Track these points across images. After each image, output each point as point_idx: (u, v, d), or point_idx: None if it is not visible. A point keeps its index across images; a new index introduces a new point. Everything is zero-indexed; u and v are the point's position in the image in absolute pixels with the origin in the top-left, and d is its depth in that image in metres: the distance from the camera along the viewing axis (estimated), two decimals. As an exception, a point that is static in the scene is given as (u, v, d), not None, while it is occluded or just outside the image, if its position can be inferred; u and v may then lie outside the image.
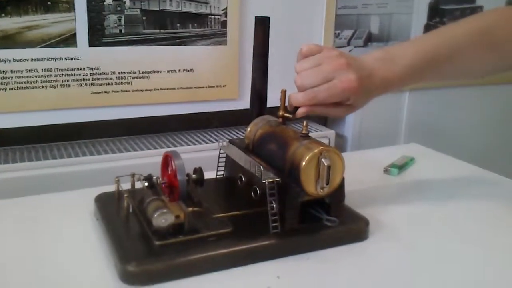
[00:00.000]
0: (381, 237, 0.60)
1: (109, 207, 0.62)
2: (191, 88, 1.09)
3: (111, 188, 0.65)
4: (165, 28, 1.04)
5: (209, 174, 0.65)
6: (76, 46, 0.97)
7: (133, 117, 1.06)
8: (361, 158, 0.91)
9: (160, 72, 1.05)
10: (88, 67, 0.99)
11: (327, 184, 0.56)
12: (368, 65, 0.63)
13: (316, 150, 0.55)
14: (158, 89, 1.06)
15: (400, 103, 1.40)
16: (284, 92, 0.64)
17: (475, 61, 0.69)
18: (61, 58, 0.96)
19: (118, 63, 1.01)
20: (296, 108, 0.62)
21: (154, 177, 0.60)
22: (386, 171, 0.84)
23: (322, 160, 0.55)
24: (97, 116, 1.03)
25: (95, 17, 0.97)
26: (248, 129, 0.67)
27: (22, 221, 0.63)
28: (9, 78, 0.93)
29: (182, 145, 1.05)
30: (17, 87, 0.94)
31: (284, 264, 0.54)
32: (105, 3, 0.98)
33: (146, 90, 1.05)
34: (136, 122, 1.07)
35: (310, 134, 0.60)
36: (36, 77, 0.95)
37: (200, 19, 1.06)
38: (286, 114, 0.64)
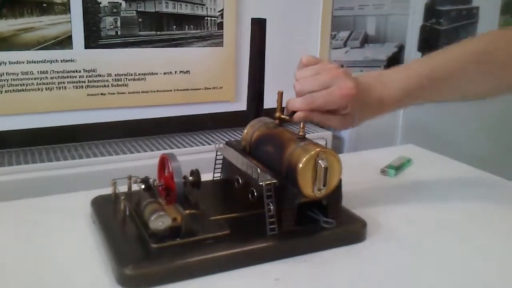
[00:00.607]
0: (379, 238, 0.60)
1: (105, 210, 0.62)
2: (188, 90, 1.09)
3: (108, 190, 0.65)
4: (161, 30, 1.04)
5: (206, 176, 0.65)
6: (72, 48, 0.97)
7: (129, 119, 1.06)
8: (358, 159, 0.91)
9: (157, 74, 1.05)
10: (84, 69, 0.99)
11: (324, 186, 0.56)
12: (365, 81, 0.64)
13: (313, 152, 0.55)
14: (155, 91, 1.06)
15: (397, 104, 1.40)
16: (281, 94, 0.64)
17: (471, 83, 0.69)
18: (57, 60, 0.96)
19: (114, 65, 1.01)
20: (293, 112, 0.62)
21: (151, 180, 0.60)
22: (383, 172, 0.84)
23: (319, 162, 0.55)
24: (93, 118, 1.02)
25: (91, 19, 0.97)
26: (245, 131, 0.67)
27: (18, 224, 0.63)
28: (4, 80, 0.93)
29: (179, 147, 1.05)
30: (13, 89, 0.94)
31: (281, 266, 0.54)
32: (101, 5, 0.97)
33: (142, 92, 1.05)
34: (133, 124, 1.07)
35: (307, 136, 0.60)
36: (32, 79, 0.95)
37: (196, 20, 1.06)
38: (283, 116, 0.64)
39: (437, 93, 0.68)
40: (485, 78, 0.69)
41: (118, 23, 1.00)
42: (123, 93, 1.03)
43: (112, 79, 1.01)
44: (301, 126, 0.60)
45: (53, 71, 0.96)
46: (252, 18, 0.67)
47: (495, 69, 0.68)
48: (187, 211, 0.56)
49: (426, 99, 0.70)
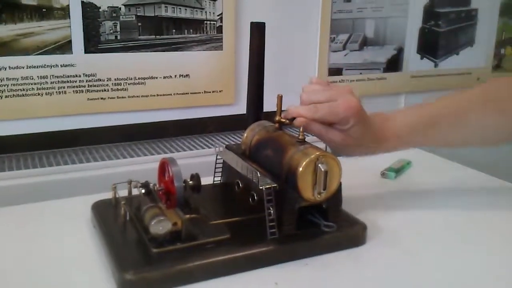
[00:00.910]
0: (379, 241, 0.60)
1: (106, 215, 0.62)
2: (187, 93, 1.09)
3: (108, 195, 0.65)
4: (161, 34, 1.04)
5: (206, 180, 0.65)
6: (72, 53, 0.97)
7: (129, 123, 1.06)
8: (358, 162, 0.90)
9: (156, 78, 1.05)
10: (84, 74, 0.99)
11: (324, 190, 0.56)
12: (371, 112, 0.66)
13: (313, 156, 0.55)
14: (155, 95, 1.06)
15: (396, 106, 1.40)
16: (280, 98, 0.64)
17: (479, 125, 0.70)
18: (56, 65, 0.96)
19: (114, 69, 1.01)
20: (293, 118, 0.62)
21: (151, 184, 0.60)
22: (383, 175, 0.84)
23: (319, 165, 0.55)
24: (94, 123, 1.02)
25: (90, 23, 0.97)
26: (245, 134, 0.67)
27: (18, 229, 0.63)
28: (4, 85, 0.93)
29: (179, 151, 1.05)
30: (13, 94, 0.94)
31: (282, 270, 0.54)
32: (100, 10, 0.98)
33: (142, 96, 1.05)
34: (133, 128, 1.07)
35: (306, 139, 0.60)
36: (31, 84, 0.95)
37: (195, 24, 1.06)
38: (282, 120, 0.64)
39: (440, 134, 0.69)
40: (493, 122, 0.69)
41: (118, 28, 1.00)
42: (123, 97, 1.03)
43: (112, 84, 1.01)
44: (301, 129, 0.60)
45: (53, 75, 0.96)
46: (251, 22, 0.67)
47: (500, 114, 0.69)
48: (188, 216, 0.56)
49: (428, 140, 0.70)
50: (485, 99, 0.70)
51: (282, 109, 0.65)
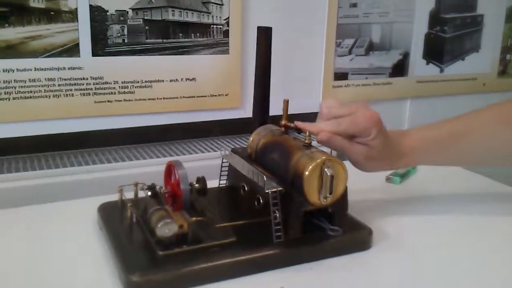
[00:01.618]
0: (385, 246, 0.61)
1: (112, 217, 0.62)
2: (194, 97, 1.09)
3: (115, 197, 0.66)
4: (168, 37, 1.05)
5: (212, 183, 0.66)
6: (79, 56, 0.98)
7: (136, 126, 1.06)
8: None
9: (163, 81, 1.06)
10: (91, 77, 0.99)
11: (330, 194, 0.56)
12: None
13: (319, 160, 0.55)
14: (161, 98, 1.06)
15: (402, 111, 1.40)
16: (286, 102, 0.64)
17: (496, 140, 0.69)
18: (64, 68, 0.97)
19: (121, 72, 1.02)
20: (299, 130, 0.62)
21: (157, 187, 0.61)
22: (388, 179, 0.84)
23: (325, 169, 0.55)
24: (100, 125, 1.03)
25: (98, 27, 0.98)
26: (251, 138, 0.67)
27: (24, 231, 0.63)
28: (12, 87, 0.94)
29: (185, 154, 1.06)
30: (21, 96, 0.95)
31: (287, 274, 0.54)
32: (108, 13, 0.98)
33: (149, 99, 1.05)
34: (139, 131, 1.07)
35: (312, 143, 0.60)
36: (39, 86, 0.96)
37: (202, 28, 1.07)
38: (288, 123, 0.64)
39: (457, 147, 0.69)
40: (508, 137, 0.69)
41: (125, 31, 1.00)
42: (129, 100, 1.03)
43: (119, 87, 1.02)
44: (307, 133, 0.60)
45: (60, 78, 0.97)
46: (258, 27, 0.68)
47: None
48: (194, 218, 0.57)
49: (446, 156, 0.70)
50: (503, 111, 0.70)
51: (288, 113, 0.65)
